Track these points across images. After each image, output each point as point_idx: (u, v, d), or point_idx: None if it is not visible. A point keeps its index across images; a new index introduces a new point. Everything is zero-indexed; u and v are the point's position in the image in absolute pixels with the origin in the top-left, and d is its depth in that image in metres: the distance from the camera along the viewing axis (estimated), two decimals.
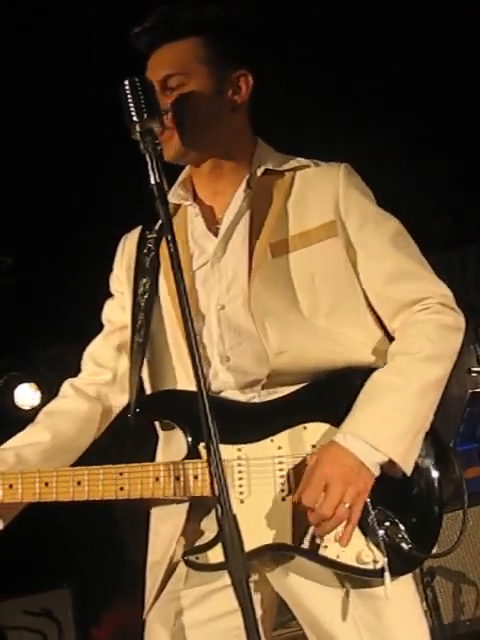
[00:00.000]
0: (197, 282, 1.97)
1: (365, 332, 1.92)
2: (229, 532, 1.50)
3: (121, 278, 2.13)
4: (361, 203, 1.97)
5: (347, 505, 1.71)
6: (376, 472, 1.76)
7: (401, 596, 1.81)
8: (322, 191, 1.96)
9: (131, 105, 1.73)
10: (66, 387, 2.12)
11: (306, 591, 1.83)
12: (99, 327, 2.21)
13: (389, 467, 1.77)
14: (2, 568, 4.27)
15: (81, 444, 2.06)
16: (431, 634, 1.85)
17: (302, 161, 2.03)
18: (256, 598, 1.89)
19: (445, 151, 4.59)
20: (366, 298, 1.95)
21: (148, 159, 1.70)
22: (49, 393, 5.39)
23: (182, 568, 1.86)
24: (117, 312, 2.13)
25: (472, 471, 4.50)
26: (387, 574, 1.74)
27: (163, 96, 1.91)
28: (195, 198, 2.06)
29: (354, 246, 1.94)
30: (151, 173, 1.69)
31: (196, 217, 2.03)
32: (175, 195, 2.05)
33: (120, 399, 2.10)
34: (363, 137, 4.09)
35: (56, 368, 5.33)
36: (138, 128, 1.72)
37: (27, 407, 5.47)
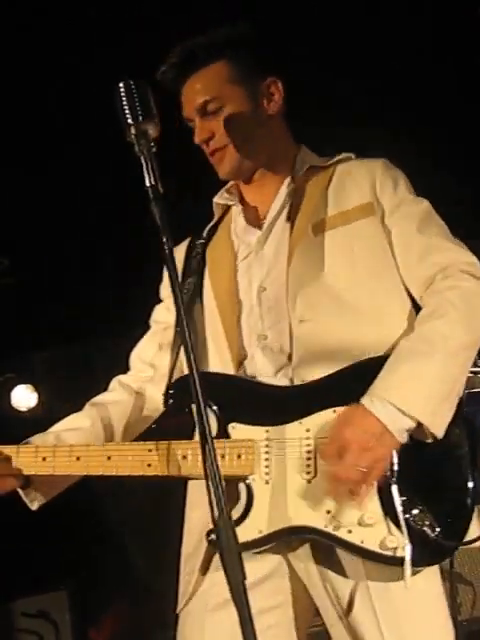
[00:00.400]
0: (240, 272, 2.07)
1: (401, 308, 1.96)
2: (226, 536, 1.50)
3: (168, 283, 2.16)
4: (396, 188, 2.04)
5: (362, 469, 1.71)
6: (401, 439, 1.76)
7: (427, 592, 1.80)
8: (361, 178, 2.05)
9: (126, 108, 1.75)
10: (113, 383, 2.23)
11: (326, 577, 1.84)
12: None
13: (419, 432, 1.77)
14: None
15: (122, 434, 2.13)
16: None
17: (343, 154, 2.13)
18: (287, 591, 1.90)
19: (449, 150, 4.60)
20: (401, 277, 2.00)
21: (143, 161, 1.72)
22: (46, 395, 5.39)
23: (216, 559, 1.83)
24: (163, 313, 2.24)
25: None
26: (408, 562, 1.72)
27: (204, 122, 2.05)
28: (241, 201, 2.17)
29: (388, 227, 2.01)
30: (146, 175, 1.71)
31: (238, 216, 2.15)
32: (222, 197, 2.19)
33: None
34: (364, 137, 4.10)
35: (53, 370, 5.33)
36: (133, 131, 1.74)
37: (24, 409, 5.45)
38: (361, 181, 2.05)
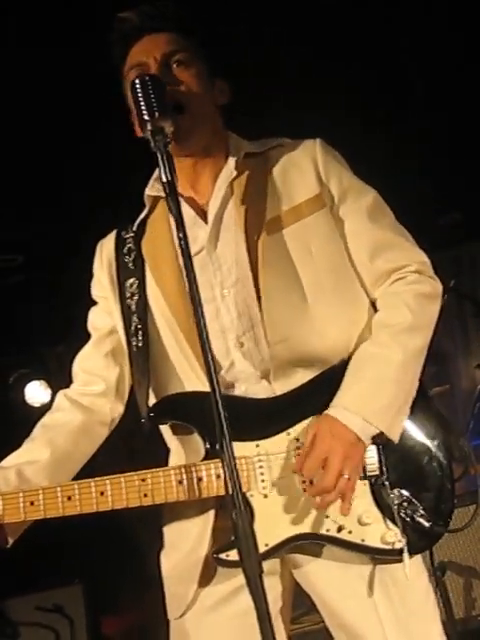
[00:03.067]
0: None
1: (360, 303, 1.96)
2: (242, 528, 1.51)
3: (103, 283, 2.12)
4: (340, 174, 2.01)
5: (346, 477, 1.76)
6: (368, 444, 1.82)
7: (419, 582, 1.87)
8: (302, 166, 2.00)
9: (142, 103, 1.74)
10: (60, 399, 2.11)
11: (325, 581, 1.87)
12: None
13: (378, 437, 1.83)
14: (14, 564, 4.27)
15: (81, 456, 2.05)
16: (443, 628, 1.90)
17: (277, 140, 2.07)
18: (278, 591, 1.93)
19: (453, 148, 4.59)
20: (354, 268, 1.99)
21: (159, 157, 1.72)
22: (59, 390, 5.39)
23: (214, 567, 1.87)
24: (102, 318, 2.12)
25: None
26: (406, 554, 1.79)
27: (168, 69, 1.94)
28: None
29: (340, 218, 1.99)
30: (162, 171, 1.71)
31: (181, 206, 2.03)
32: (153, 188, 2.06)
33: (117, 408, 2.11)
34: (371, 135, 4.10)
35: (66, 366, 5.34)
36: (149, 126, 1.73)
37: (37, 404, 5.48)
38: (305, 169, 1.99)
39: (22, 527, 1.93)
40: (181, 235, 1.66)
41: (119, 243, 2.10)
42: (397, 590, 1.83)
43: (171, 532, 1.98)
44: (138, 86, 1.76)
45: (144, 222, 2.09)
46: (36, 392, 5.53)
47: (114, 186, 4.04)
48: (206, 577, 1.89)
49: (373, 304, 1.99)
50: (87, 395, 2.10)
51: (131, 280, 2.03)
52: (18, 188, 4.07)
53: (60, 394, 2.13)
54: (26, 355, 5.56)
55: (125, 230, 2.10)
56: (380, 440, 1.84)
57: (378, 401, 1.83)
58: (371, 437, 1.82)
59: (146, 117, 1.73)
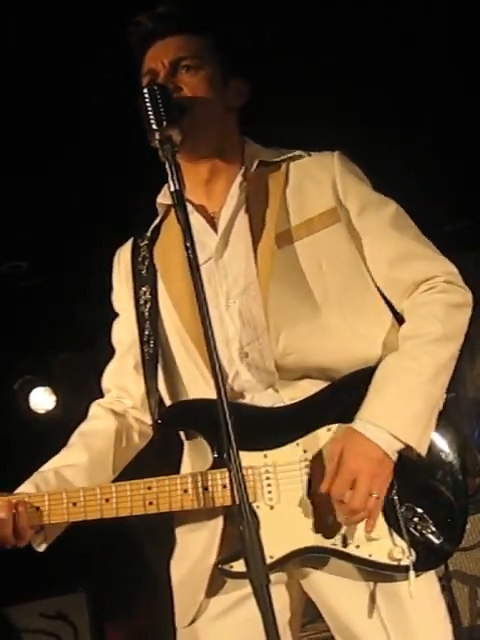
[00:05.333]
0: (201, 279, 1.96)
1: (376, 319, 1.92)
2: (249, 538, 1.51)
3: (121, 294, 2.12)
4: (359, 188, 1.98)
5: (375, 496, 1.73)
6: (395, 459, 1.78)
7: (428, 594, 1.83)
8: (319, 179, 1.97)
9: (150, 113, 1.74)
10: (95, 408, 2.12)
11: (334, 593, 1.85)
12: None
13: (405, 450, 1.79)
14: (18, 571, 4.27)
15: (118, 462, 2.05)
16: None
17: (294, 152, 2.04)
18: (286, 601, 1.92)
19: (460, 152, 4.58)
20: (375, 283, 1.95)
21: (167, 166, 1.71)
22: (64, 397, 5.40)
23: (221, 576, 1.85)
24: (124, 331, 2.12)
25: None
26: (411, 573, 1.76)
27: (174, 75, 1.93)
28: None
29: (357, 232, 1.95)
30: (170, 180, 1.71)
31: (191, 214, 1.98)
32: (165, 196, 2.05)
33: (147, 420, 2.09)
34: (377, 140, 4.09)
35: (71, 372, 5.35)
36: (157, 136, 1.74)
37: (42, 411, 5.48)
38: (321, 182, 1.96)
39: (53, 532, 1.91)
40: (188, 244, 1.66)
41: (135, 250, 2.10)
42: (405, 605, 1.79)
43: (181, 540, 1.97)
44: (146, 96, 1.76)
45: (158, 229, 2.10)
46: (41, 398, 5.53)
47: (121, 193, 4.04)
48: (215, 586, 1.88)
49: (399, 318, 1.94)
50: (119, 406, 2.11)
51: (144, 288, 2.03)
52: (24, 195, 4.08)
53: (94, 404, 2.13)
54: (31, 361, 5.56)
55: (141, 238, 2.11)
56: (408, 453, 1.79)
57: (406, 415, 1.78)
58: (397, 451, 1.77)
59: (154, 126, 1.74)
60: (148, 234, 2.09)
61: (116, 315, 2.17)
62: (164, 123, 1.73)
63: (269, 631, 1.45)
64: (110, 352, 2.19)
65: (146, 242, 2.08)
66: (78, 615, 4.77)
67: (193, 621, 1.90)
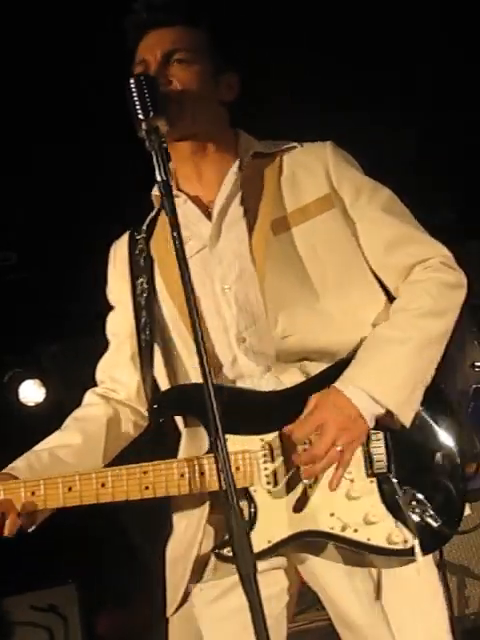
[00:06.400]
0: (193, 267, 1.93)
1: (373, 302, 1.94)
2: (236, 527, 1.51)
3: (117, 286, 2.14)
4: (352, 174, 2.00)
5: (339, 448, 1.73)
6: (371, 424, 1.78)
7: (426, 580, 1.84)
8: (312, 167, 1.99)
9: (137, 103, 1.74)
10: (90, 396, 2.14)
11: (332, 579, 1.86)
12: (103, 324, 2.21)
13: (386, 419, 1.79)
14: (9, 564, 4.27)
15: (110, 449, 2.06)
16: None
17: (288, 143, 2.06)
18: (285, 585, 1.92)
19: (447, 146, 4.59)
20: (370, 267, 1.97)
21: (154, 156, 1.71)
22: (53, 390, 5.39)
23: (211, 560, 1.86)
24: (120, 323, 2.13)
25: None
26: (418, 551, 1.75)
27: (166, 67, 1.94)
28: (178, 189, 2.06)
29: (351, 218, 1.96)
30: (157, 170, 1.70)
31: (185, 204, 2.03)
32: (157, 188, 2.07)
33: (141, 411, 2.11)
34: (365, 132, 4.10)
35: (60, 365, 5.34)
36: (144, 126, 1.73)
37: (31, 403, 5.47)
38: (314, 170, 1.98)
39: (39, 516, 1.90)
40: (175, 234, 1.67)
41: (132, 243, 2.12)
42: (404, 590, 1.80)
43: (176, 524, 1.98)
44: (133, 86, 1.75)
45: (154, 221, 2.11)
46: (30, 391, 5.52)
47: (108, 186, 4.04)
48: (200, 571, 1.89)
49: (392, 301, 1.95)
50: (115, 395, 2.13)
51: (141, 279, 2.05)
52: (13, 187, 4.06)
53: (89, 392, 2.15)
54: (20, 354, 5.55)
55: (137, 231, 2.12)
56: (390, 423, 1.79)
57: (389, 380, 1.78)
58: (375, 416, 1.77)
59: (141, 117, 1.73)
60: (144, 227, 2.11)
61: (110, 308, 2.18)
62: (150, 113, 1.73)
63: (256, 621, 1.46)
64: (102, 344, 2.20)
65: (143, 235, 2.10)
66: (69, 607, 4.77)
67: (179, 607, 1.90)
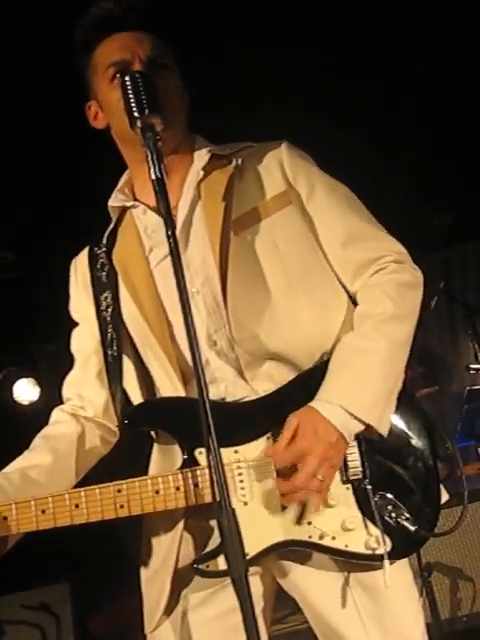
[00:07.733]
0: (159, 276, 1.95)
1: (334, 302, 1.93)
2: (228, 529, 1.51)
3: (80, 303, 2.11)
4: (308, 171, 1.99)
5: (320, 478, 1.72)
6: (351, 442, 1.78)
7: (402, 582, 1.83)
8: (268, 165, 1.99)
9: (132, 100, 1.73)
10: (57, 413, 2.10)
11: (310, 585, 1.85)
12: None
13: (365, 432, 1.78)
14: (0, 563, 4.26)
15: (81, 466, 2.03)
16: (428, 630, 1.87)
17: (243, 143, 2.05)
18: (259, 590, 1.91)
19: (445, 149, 4.60)
20: (330, 265, 1.96)
21: (148, 154, 1.70)
22: (48, 388, 5.39)
23: (188, 573, 1.83)
24: (84, 339, 2.10)
25: (470, 467, 4.53)
26: (386, 562, 1.76)
27: (151, 70, 1.90)
28: (134, 199, 2.05)
29: (308, 213, 1.96)
30: (151, 168, 1.69)
31: (144, 214, 2.01)
32: (116, 199, 2.06)
33: (110, 427, 2.08)
34: (362, 137, 4.10)
35: (55, 364, 5.34)
36: (139, 123, 1.72)
37: (26, 402, 5.47)
38: (270, 168, 1.98)
39: (6, 544, 1.88)
40: (169, 233, 1.65)
41: (92, 258, 2.08)
42: (380, 593, 1.80)
43: (146, 542, 1.95)
44: (128, 82, 1.74)
45: (114, 234, 2.08)
46: (24, 390, 5.52)
47: (107, 186, 4.03)
48: (179, 586, 1.87)
49: (352, 300, 1.95)
50: (82, 412, 2.09)
51: (105, 294, 2.02)
52: (11, 186, 4.06)
53: (56, 409, 2.11)
54: (15, 353, 5.55)
55: (97, 246, 2.09)
56: (367, 434, 1.79)
57: (365, 395, 1.78)
58: (355, 433, 1.78)
59: (136, 114, 1.72)
60: (104, 240, 2.07)
61: (74, 324, 2.15)
62: (146, 111, 1.72)
63: (248, 622, 1.45)
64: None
65: (103, 249, 2.06)
66: (61, 606, 4.76)
67: (158, 625, 1.88)
